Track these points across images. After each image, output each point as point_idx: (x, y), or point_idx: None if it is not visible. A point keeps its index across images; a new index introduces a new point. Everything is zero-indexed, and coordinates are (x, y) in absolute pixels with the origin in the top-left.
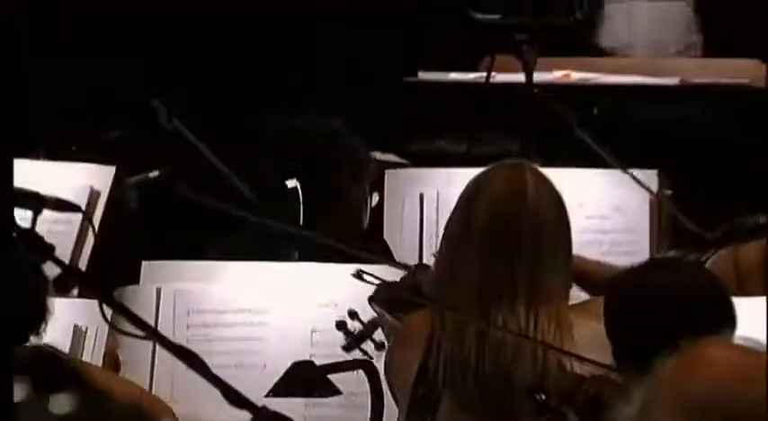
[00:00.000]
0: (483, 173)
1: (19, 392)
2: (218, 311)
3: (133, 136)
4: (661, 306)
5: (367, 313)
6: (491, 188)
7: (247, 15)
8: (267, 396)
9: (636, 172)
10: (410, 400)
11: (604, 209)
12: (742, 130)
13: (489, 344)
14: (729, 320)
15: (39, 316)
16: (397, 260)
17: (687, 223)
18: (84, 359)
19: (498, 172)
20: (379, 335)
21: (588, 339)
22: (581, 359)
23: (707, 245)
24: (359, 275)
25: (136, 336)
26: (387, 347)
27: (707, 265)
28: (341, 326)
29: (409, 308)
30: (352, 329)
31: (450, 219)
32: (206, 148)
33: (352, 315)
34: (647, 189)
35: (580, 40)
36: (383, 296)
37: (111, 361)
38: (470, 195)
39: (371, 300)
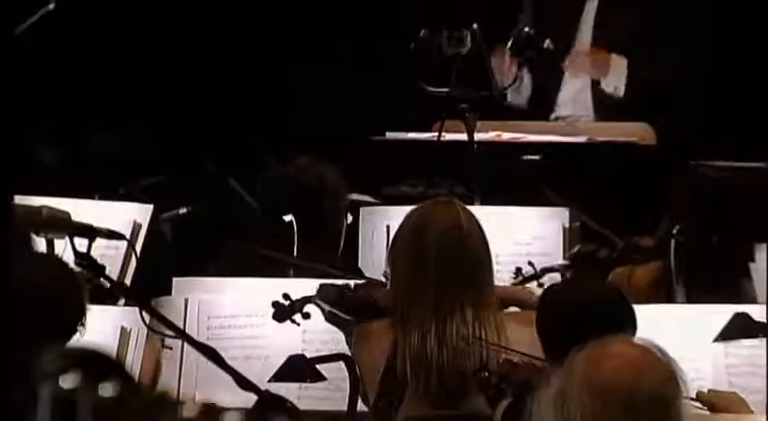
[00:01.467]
0: (421, 208)
1: (73, 381)
2: (232, 316)
3: (166, 182)
4: (579, 314)
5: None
6: (435, 222)
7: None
8: (269, 381)
9: (552, 208)
10: (378, 389)
11: (528, 237)
12: (632, 176)
13: (447, 348)
14: (632, 324)
15: (79, 312)
16: (371, 275)
17: (603, 231)
18: (128, 352)
19: (437, 208)
20: (307, 308)
21: (520, 339)
22: (521, 353)
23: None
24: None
25: (168, 336)
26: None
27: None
28: (274, 304)
29: (363, 312)
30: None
31: (399, 247)
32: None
33: (285, 296)
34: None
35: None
36: (332, 297)
37: (152, 365)
38: (419, 227)
39: (318, 295)
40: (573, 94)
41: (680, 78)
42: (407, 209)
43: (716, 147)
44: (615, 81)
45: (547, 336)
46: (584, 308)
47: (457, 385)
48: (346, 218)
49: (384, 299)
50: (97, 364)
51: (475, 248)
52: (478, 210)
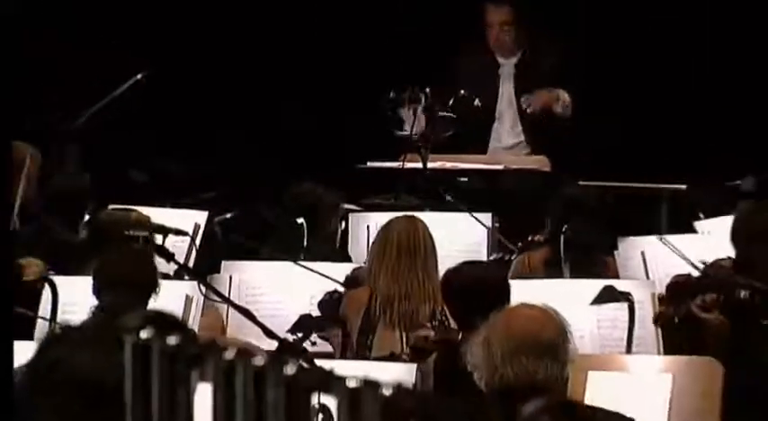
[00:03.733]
0: (391, 220)
1: (148, 334)
2: (261, 288)
3: (218, 196)
4: (470, 291)
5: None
6: (397, 225)
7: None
8: (287, 333)
9: (480, 214)
10: (359, 329)
11: (464, 235)
12: (535, 192)
13: (400, 287)
14: (507, 296)
15: (154, 286)
16: (356, 262)
17: (505, 241)
18: (191, 313)
19: (401, 219)
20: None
21: None
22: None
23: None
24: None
25: (217, 301)
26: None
27: (513, 264)
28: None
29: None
30: None
31: (375, 241)
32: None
33: None
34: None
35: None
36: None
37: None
38: (386, 229)
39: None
40: (508, 128)
41: (566, 122)
42: (382, 214)
43: (595, 172)
44: (563, 107)
45: (451, 307)
46: (474, 287)
47: (408, 319)
48: (340, 224)
49: (363, 274)
50: (165, 322)
51: (423, 241)
52: (428, 216)
